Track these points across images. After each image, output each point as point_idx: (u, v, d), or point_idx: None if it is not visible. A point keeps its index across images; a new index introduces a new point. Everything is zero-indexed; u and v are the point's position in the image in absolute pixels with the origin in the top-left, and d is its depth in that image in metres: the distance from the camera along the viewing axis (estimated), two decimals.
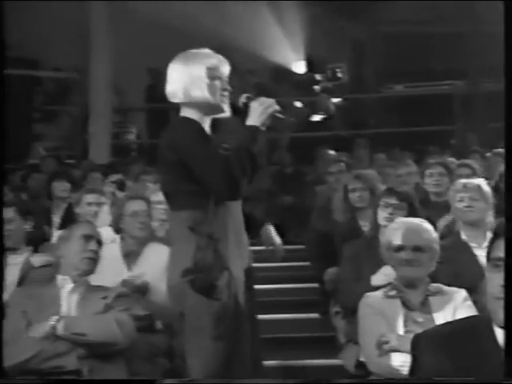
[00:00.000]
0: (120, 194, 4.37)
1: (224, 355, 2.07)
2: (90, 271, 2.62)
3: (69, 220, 4.02)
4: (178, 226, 2.18)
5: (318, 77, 8.22)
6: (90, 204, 4.01)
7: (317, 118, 7.70)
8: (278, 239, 2.65)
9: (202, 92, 2.19)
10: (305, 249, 4.73)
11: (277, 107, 2.21)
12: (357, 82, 8.62)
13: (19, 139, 6.92)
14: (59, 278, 2.57)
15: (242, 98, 2.24)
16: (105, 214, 4.05)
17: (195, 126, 2.19)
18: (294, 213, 5.73)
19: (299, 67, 8.52)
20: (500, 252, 1.57)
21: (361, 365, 2.51)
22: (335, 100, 7.90)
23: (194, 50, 2.31)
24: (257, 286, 4.51)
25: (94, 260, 2.62)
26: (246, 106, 2.22)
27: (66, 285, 2.54)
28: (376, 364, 2.22)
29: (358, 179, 3.84)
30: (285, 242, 5.64)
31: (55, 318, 2.38)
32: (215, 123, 2.34)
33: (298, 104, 7.98)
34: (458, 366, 1.52)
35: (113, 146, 7.08)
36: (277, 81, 8.14)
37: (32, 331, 2.36)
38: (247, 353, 2.12)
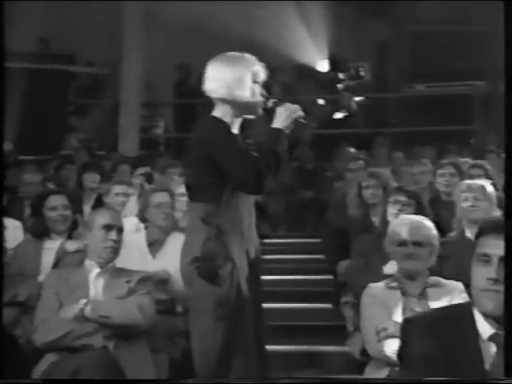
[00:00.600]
0: (148, 186, 4.58)
1: (224, 337, 2.25)
2: (112, 258, 2.79)
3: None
4: (192, 216, 2.38)
5: (341, 75, 8.28)
6: (117, 194, 4.23)
7: (339, 115, 7.79)
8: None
9: (244, 93, 2.37)
10: (321, 242, 4.90)
11: (301, 113, 2.40)
12: (379, 81, 8.68)
13: (54, 131, 7.21)
14: (87, 262, 2.78)
15: (270, 103, 2.42)
16: (132, 205, 4.27)
17: (224, 125, 2.37)
18: (312, 207, 5.90)
19: (323, 66, 8.63)
20: (485, 248, 1.73)
21: (365, 352, 2.67)
22: (357, 98, 7.95)
23: (238, 53, 2.47)
24: (275, 277, 4.72)
25: (115, 249, 2.78)
26: (273, 109, 2.40)
27: (93, 269, 2.75)
28: (375, 349, 2.39)
29: (371, 177, 3.99)
30: (303, 236, 5.82)
31: (84, 301, 2.58)
32: (243, 122, 2.53)
33: (321, 102, 8.12)
34: (441, 348, 1.68)
35: (141, 140, 7.30)
36: (301, 79, 8.27)
37: (63, 312, 2.57)
38: (249, 337, 2.30)
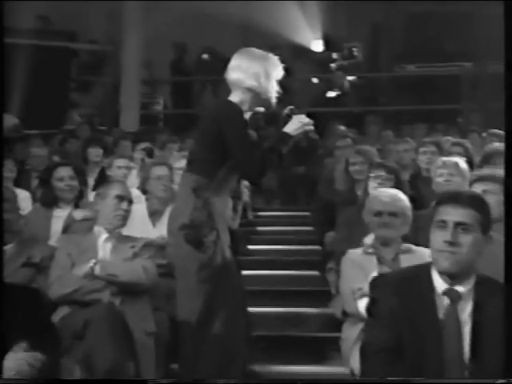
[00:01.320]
0: (148, 160, 4.82)
1: (206, 298, 2.51)
2: (122, 225, 3.06)
3: (102, 182, 4.50)
4: (184, 185, 2.62)
5: (334, 55, 8.47)
6: (120, 168, 4.48)
7: (332, 94, 7.96)
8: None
9: (269, 87, 2.62)
10: (311, 215, 5.16)
11: (312, 128, 2.65)
12: (371, 61, 8.85)
13: (57, 106, 7.39)
14: (96, 228, 3.04)
15: (287, 110, 2.67)
16: (133, 177, 4.53)
17: (241, 110, 2.60)
18: (304, 182, 6.16)
19: (317, 46, 8.77)
20: (442, 215, 1.97)
21: (346, 313, 2.95)
22: (350, 78, 8.13)
23: (265, 52, 2.75)
24: (268, 247, 4.99)
25: (124, 217, 3.06)
26: (289, 116, 2.64)
27: (101, 235, 3.01)
28: (351, 307, 2.67)
29: (358, 154, 4.24)
30: (295, 209, 6.07)
31: (93, 261, 2.85)
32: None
33: (315, 80, 8.30)
34: (402, 302, 1.95)
35: (141, 116, 7.52)
36: (296, 58, 8.41)
37: (75, 270, 2.84)
38: (232, 300, 2.56)
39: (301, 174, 6.33)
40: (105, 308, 2.67)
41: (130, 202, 3.13)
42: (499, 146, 4.11)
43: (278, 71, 2.70)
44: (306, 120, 2.64)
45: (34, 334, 2.22)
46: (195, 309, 2.52)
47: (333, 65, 8.42)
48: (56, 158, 4.85)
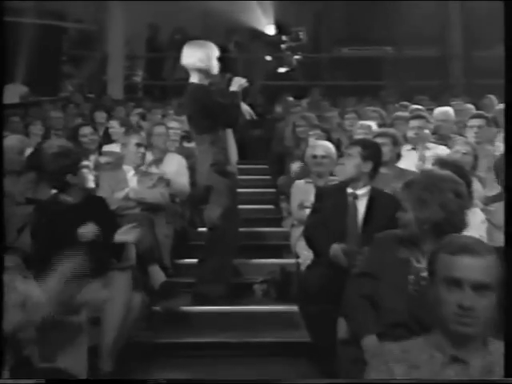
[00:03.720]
0: (143, 123, 6.00)
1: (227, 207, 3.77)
2: (141, 164, 4.31)
3: (106, 138, 5.65)
4: (202, 141, 3.84)
5: (284, 38, 9.63)
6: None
7: (282, 70, 9.18)
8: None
9: (212, 65, 3.82)
10: (267, 168, 6.46)
11: (245, 83, 3.84)
12: (314, 43, 10.08)
13: (52, 77, 8.38)
14: (124, 167, 4.27)
15: (227, 76, 3.89)
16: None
17: (205, 88, 3.83)
18: (260, 141, 7.46)
19: (270, 29, 9.85)
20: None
21: (294, 224, 4.30)
22: (297, 57, 9.37)
23: (205, 41, 3.93)
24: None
25: (143, 157, 4.30)
26: (230, 80, 3.88)
27: (129, 171, 4.25)
28: (298, 215, 4.02)
29: (302, 119, 5.58)
30: (254, 163, 7.35)
31: (127, 189, 4.10)
32: None
33: (268, 58, 9.48)
34: (331, 202, 3.31)
35: (125, 86, 8.59)
36: (252, 40, 9.56)
37: (115, 195, 4.08)
38: (235, 205, 3.89)
39: (257, 134, 7.63)
40: (138, 217, 3.92)
41: (146, 147, 4.36)
42: (402, 113, 5.51)
43: (216, 52, 3.82)
44: (242, 80, 3.84)
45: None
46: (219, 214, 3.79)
47: (283, 46, 9.59)
48: (78, 120, 5.94)
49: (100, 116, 6.11)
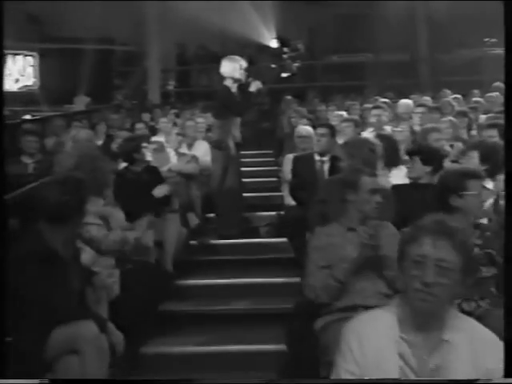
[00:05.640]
0: (178, 120, 7.21)
1: (223, 171, 4.92)
2: (179, 147, 5.54)
3: (153, 131, 6.85)
4: (220, 124, 5.03)
5: (285, 49, 10.66)
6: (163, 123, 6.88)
7: (284, 75, 10.26)
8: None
9: (239, 73, 4.96)
10: (272, 153, 7.59)
11: (260, 85, 5.01)
12: (310, 52, 11.14)
13: (106, 88, 9.65)
14: (167, 149, 5.51)
15: (249, 79, 5.06)
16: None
17: (230, 89, 4.95)
18: (268, 132, 8.60)
19: (273, 43, 10.94)
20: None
21: None
22: (296, 64, 10.41)
23: (236, 56, 5.08)
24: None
25: (180, 143, 5.53)
26: (249, 83, 5.05)
27: (171, 152, 5.48)
28: (287, 178, 5.19)
29: (296, 112, 6.75)
30: (263, 149, 8.49)
31: (170, 164, 5.32)
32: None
33: (273, 66, 10.56)
34: (306, 163, 4.49)
35: (161, 93, 9.81)
36: (260, 52, 10.66)
37: (162, 169, 5.29)
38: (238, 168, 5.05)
39: (266, 127, 8.78)
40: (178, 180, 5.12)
41: (182, 135, 5.59)
42: (367, 105, 6.62)
43: (242, 64, 4.97)
44: (258, 83, 4.99)
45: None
46: (219, 178, 4.98)
47: (284, 55, 10.62)
48: (129, 120, 7.16)
49: (145, 116, 7.34)
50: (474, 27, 9.07)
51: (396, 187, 3.70)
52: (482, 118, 5.79)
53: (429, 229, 1.65)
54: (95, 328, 2.46)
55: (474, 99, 7.18)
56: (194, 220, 4.89)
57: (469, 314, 2.17)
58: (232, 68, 4.92)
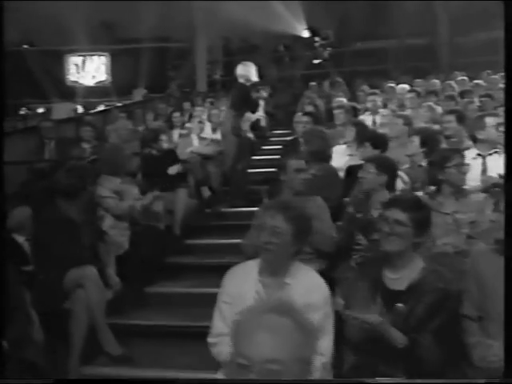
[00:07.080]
0: (212, 107, 7.89)
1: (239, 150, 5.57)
2: (201, 132, 6.26)
3: (189, 119, 7.60)
4: (229, 114, 5.65)
5: (316, 38, 11.01)
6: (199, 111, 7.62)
7: (316, 61, 10.61)
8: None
9: (253, 75, 5.54)
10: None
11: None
12: (338, 40, 11.32)
13: (162, 80, 10.52)
14: (192, 135, 6.27)
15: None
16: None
17: (248, 87, 5.57)
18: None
19: (306, 34, 11.27)
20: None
21: None
22: (327, 51, 10.77)
23: (249, 62, 5.69)
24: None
25: (202, 129, 6.25)
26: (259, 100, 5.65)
27: (194, 137, 6.22)
28: None
29: (307, 98, 7.21)
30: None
31: (192, 147, 6.07)
32: None
33: (307, 53, 10.89)
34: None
35: (208, 82, 10.53)
36: (295, 42, 11.02)
37: (184, 151, 6.06)
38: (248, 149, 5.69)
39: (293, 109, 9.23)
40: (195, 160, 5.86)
41: (203, 123, 6.30)
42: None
43: (256, 69, 5.59)
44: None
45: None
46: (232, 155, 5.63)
47: (316, 44, 10.98)
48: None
49: (186, 105, 8.11)
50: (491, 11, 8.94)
51: (350, 167, 4.21)
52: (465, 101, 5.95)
53: (272, 205, 2.21)
54: (95, 271, 3.20)
55: (476, 81, 7.24)
56: (206, 192, 5.62)
57: None
58: (245, 71, 5.50)
